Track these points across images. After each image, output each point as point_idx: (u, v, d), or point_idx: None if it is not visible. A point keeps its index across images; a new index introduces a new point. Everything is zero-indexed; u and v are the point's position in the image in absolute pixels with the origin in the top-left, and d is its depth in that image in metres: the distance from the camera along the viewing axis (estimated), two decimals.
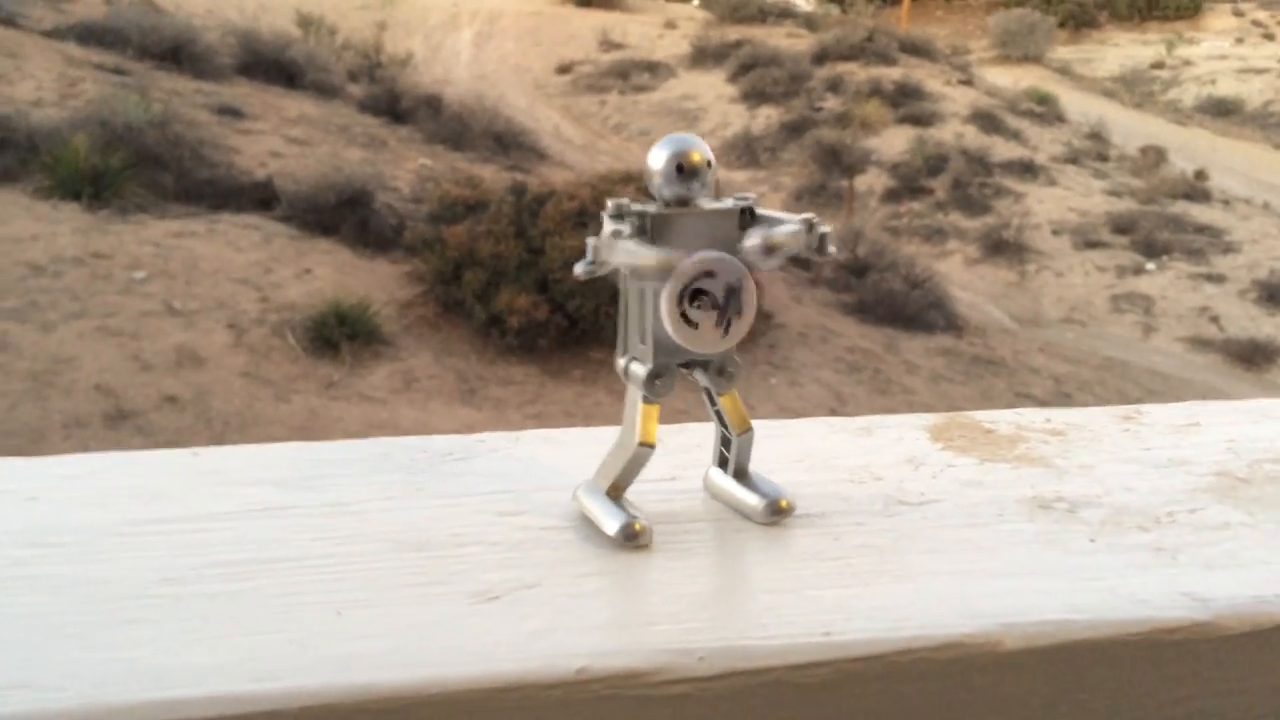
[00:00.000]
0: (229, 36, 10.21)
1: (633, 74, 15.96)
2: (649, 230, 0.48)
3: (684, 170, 0.48)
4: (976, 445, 0.60)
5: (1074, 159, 13.78)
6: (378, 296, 5.93)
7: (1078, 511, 0.52)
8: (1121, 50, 30.56)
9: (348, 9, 17.78)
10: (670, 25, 19.15)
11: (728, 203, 0.50)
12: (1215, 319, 9.51)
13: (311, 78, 9.87)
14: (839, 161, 12.27)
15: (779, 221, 0.49)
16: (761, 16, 19.02)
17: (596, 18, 19.48)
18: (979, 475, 0.56)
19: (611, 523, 0.49)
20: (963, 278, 10.42)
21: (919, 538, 0.50)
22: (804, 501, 0.53)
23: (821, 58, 15.65)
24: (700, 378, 0.51)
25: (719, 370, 0.51)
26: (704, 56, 16.29)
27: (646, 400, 0.50)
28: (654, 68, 16.25)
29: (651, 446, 0.50)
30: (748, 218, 0.50)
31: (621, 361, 0.51)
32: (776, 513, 0.51)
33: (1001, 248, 11.09)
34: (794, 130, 13.61)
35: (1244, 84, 26.69)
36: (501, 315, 5.69)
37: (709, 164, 0.49)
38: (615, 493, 0.50)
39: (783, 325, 7.40)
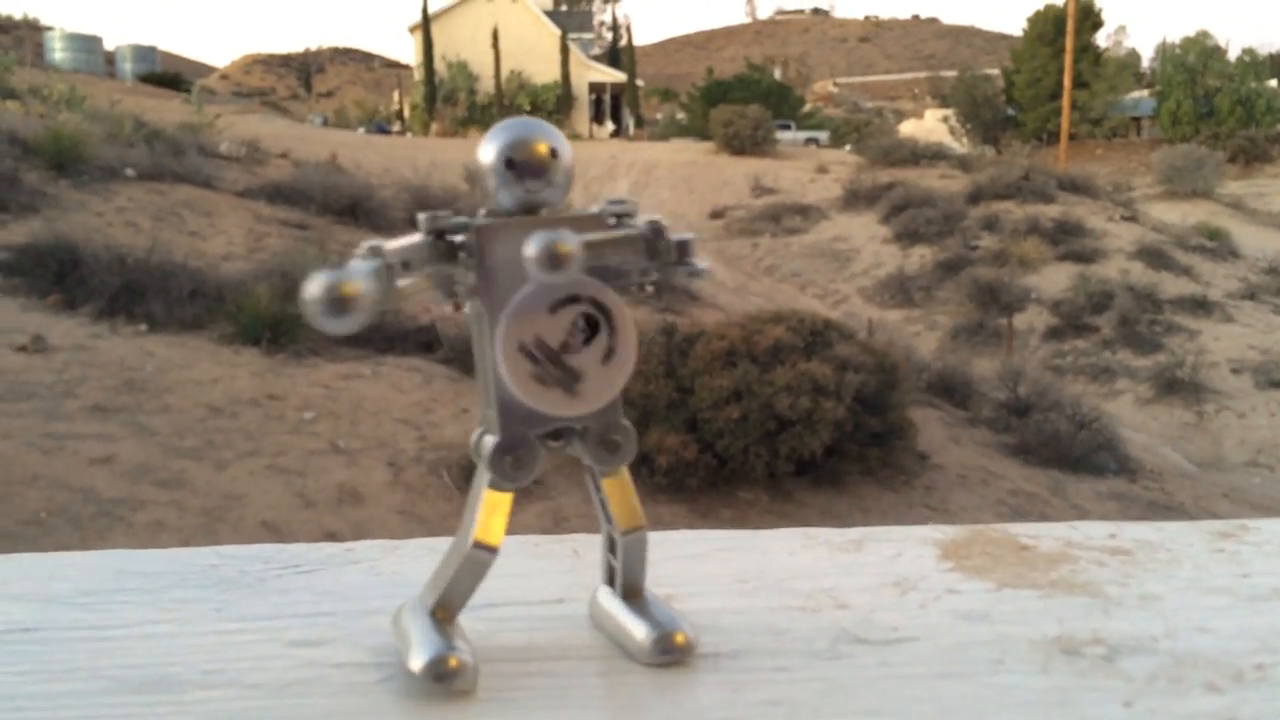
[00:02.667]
0: (403, 193, 10.91)
1: (784, 217, 16.20)
2: (474, 248, 0.36)
3: (516, 165, 0.36)
4: (1000, 566, 0.47)
5: (1251, 295, 13.13)
6: None
7: (1117, 660, 0.39)
8: None
9: None
10: (822, 170, 19.45)
11: (592, 209, 0.39)
12: None
13: None
14: (996, 299, 12.03)
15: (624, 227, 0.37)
16: (914, 159, 19.14)
17: (749, 165, 19.98)
18: (987, 605, 0.43)
19: (419, 654, 0.36)
20: (1134, 419, 9.92)
21: (861, 693, 0.37)
22: (720, 636, 0.40)
23: (976, 197, 15.57)
24: (579, 452, 0.38)
25: (601, 440, 0.38)
26: (856, 199, 16.44)
27: (494, 485, 0.37)
28: (805, 211, 16.47)
29: (492, 550, 0.37)
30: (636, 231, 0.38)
31: (473, 438, 0.38)
32: (667, 650, 0.38)
33: (1176, 387, 10.55)
34: (949, 269, 13.47)
35: None
36: (650, 454, 5.70)
37: (554, 154, 0.38)
38: (444, 614, 0.38)
39: (940, 466, 7.17)
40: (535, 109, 34.35)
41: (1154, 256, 13.62)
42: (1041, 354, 11.50)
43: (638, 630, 0.39)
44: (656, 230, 0.38)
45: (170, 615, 0.43)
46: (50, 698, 0.37)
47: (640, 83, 39.12)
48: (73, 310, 6.51)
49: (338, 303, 0.32)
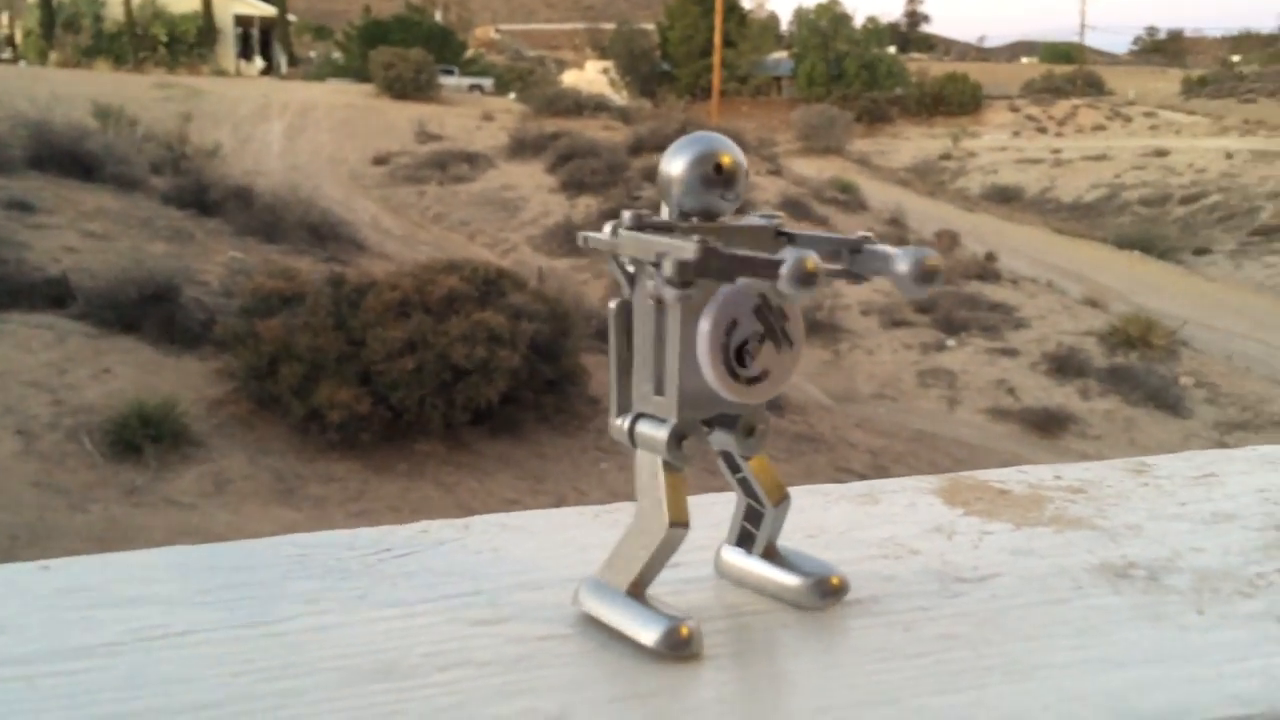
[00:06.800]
0: (19, 128, 9.69)
1: (451, 165, 15.99)
2: None
3: (721, 173, 0.40)
4: (1000, 508, 0.53)
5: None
6: (185, 395, 5.63)
7: (1160, 579, 0.45)
8: (913, 143, 32.76)
9: (149, 100, 17.20)
10: (488, 117, 19.35)
11: (756, 219, 0.42)
12: (1011, 390, 10.11)
13: (111, 170, 9.44)
14: None
15: (826, 241, 0.40)
16: (578, 109, 19.47)
17: (413, 110, 19.49)
18: (1024, 542, 0.49)
19: (649, 629, 0.39)
20: None
21: (1002, 623, 0.41)
22: None
23: (638, 148, 16.11)
24: (722, 439, 0.42)
25: (747, 429, 0.41)
26: (522, 148, 16.51)
27: (671, 469, 0.40)
28: (473, 159, 16.34)
29: (686, 526, 0.40)
30: (783, 240, 0.41)
31: (620, 422, 0.41)
32: (827, 594, 0.42)
33: (816, 328, 11.53)
34: (613, 218, 13.88)
35: (1022, 173, 28.99)
36: (321, 410, 5.48)
37: (745, 171, 0.41)
38: (637, 590, 0.40)
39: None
40: (174, 41, 31.55)
41: (796, 208, 14.75)
42: None
43: (790, 579, 0.43)
44: (860, 244, 0.40)
45: (318, 607, 0.42)
46: (296, 694, 0.36)
47: (292, 18, 36.90)
48: None
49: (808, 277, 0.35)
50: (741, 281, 0.37)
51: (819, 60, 40.18)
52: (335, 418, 5.44)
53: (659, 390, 0.40)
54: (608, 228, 0.40)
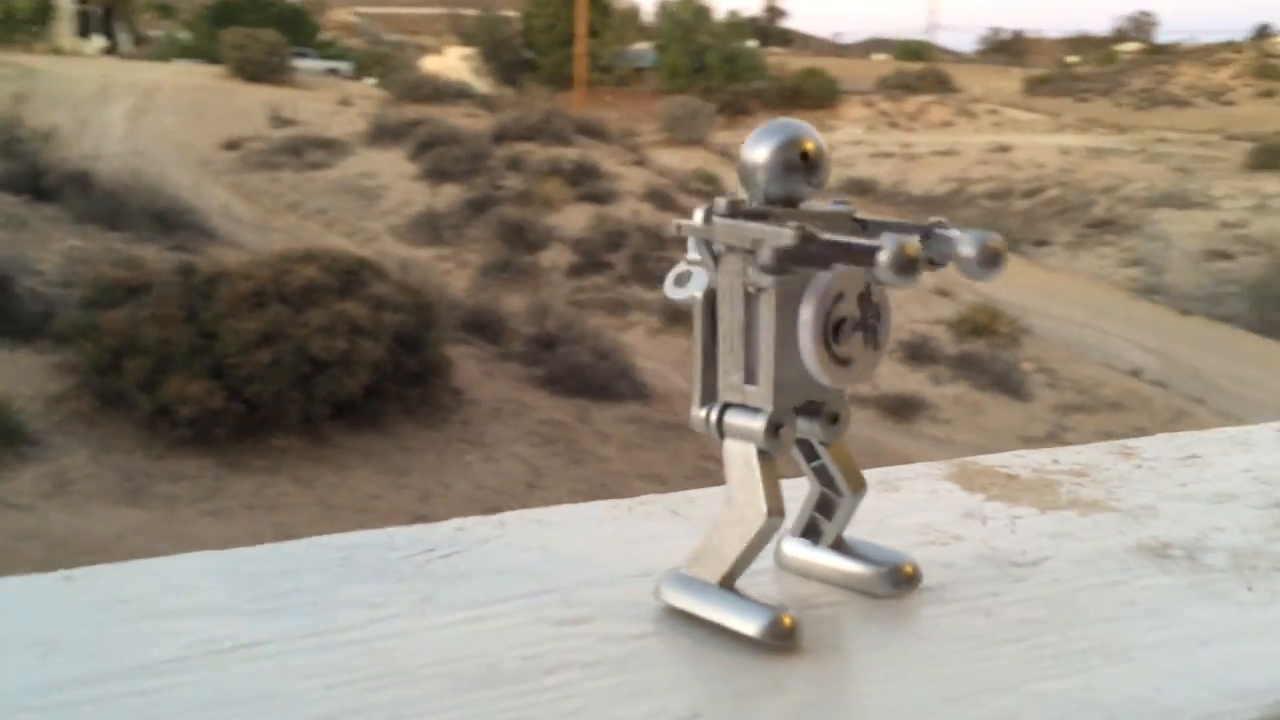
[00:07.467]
0: None
1: (307, 151, 15.54)
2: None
3: (807, 159, 0.40)
4: (1016, 492, 0.54)
5: None
6: (20, 391, 5.32)
7: (1198, 558, 0.47)
8: None
9: None
10: (345, 103, 18.85)
11: (831, 206, 0.41)
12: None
13: None
14: (523, 238, 12.49)
15: (899, 226, 0.40)
16: (439, 96, 19.15)
17: (266, 93, 18.85)
18: (1056, 526, 0.50)
19: (751, 620, 0.38)
20: (646, 348, 10.82)
21: (1075, 605, 0.42)
22: None
23: (501, 137, 15.96)
24: (805, 428, 0.41)
25: (831, 416, 0.41)
26: (383, 134, 16.16)
27: (766, 457, 0.40)
28: (330, 145, 15.91)
29: (783, 515, 0.40)
30: (859, 226, 0.41)
31: (705, 413, 0.41)
32: (900, 582, 0.43)
33: (680, 318, 11.65)
34: (477, 208, 13.73)
35: (877, 166, 29.89)
36: (170, 405, 5.26)
37: (829, 158, 0.41)
38: (728, 582, 0.40)
39: (476, 401, 7.35)
40: (8, 17, 29.69)
41: (660, 199, 14.86)
42: (565, 290, 12.15)
43: (863, 568, 0.43)
44: (930, 230, 0.39)
45: (386, 611, 0.40)
46: (407, 704, 0.35)
47: None
48: None
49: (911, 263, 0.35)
50: (839, 267, 0.37)
51: (681, 52, 40.52)
52: (186, 413, 5.23)
53: (749, 379, 0.40)
54: (698, 214, 0.40)
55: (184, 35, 33.14)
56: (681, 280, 0.41)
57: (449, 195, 14.26)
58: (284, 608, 0.40)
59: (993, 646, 0.40)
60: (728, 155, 25.15)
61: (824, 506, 0.44)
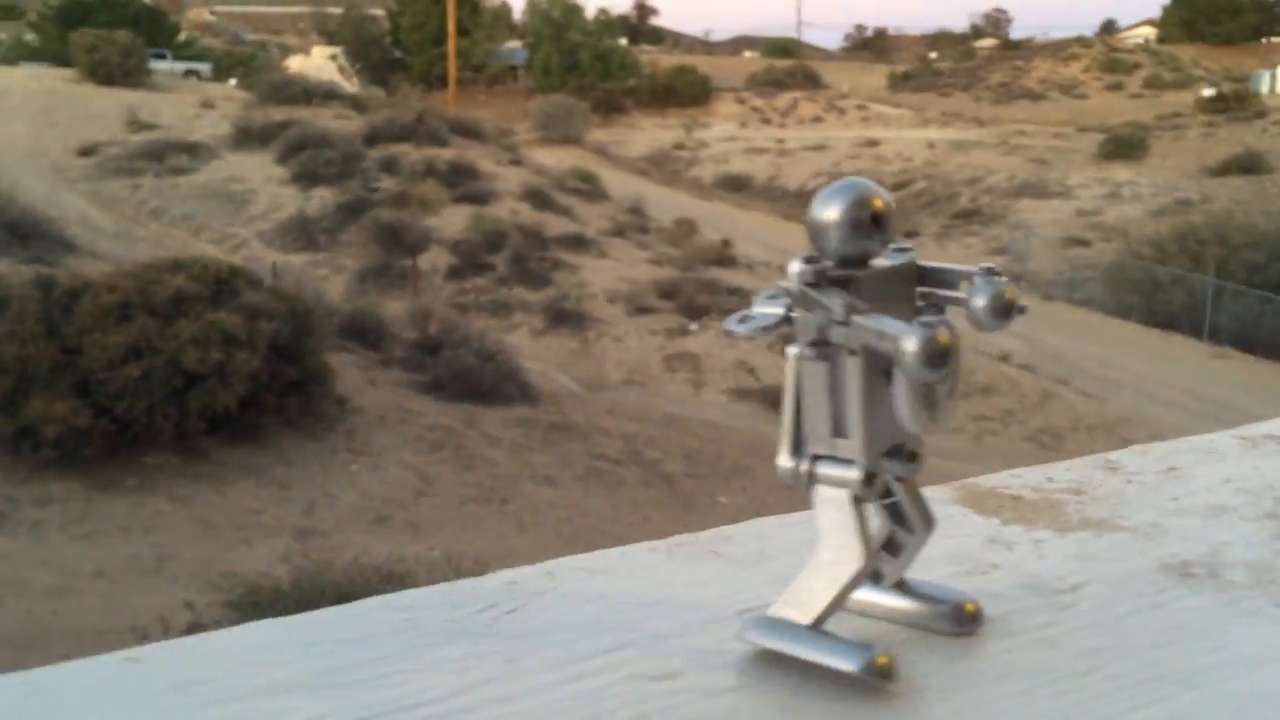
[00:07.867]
0: None
1: (169, 156, 14.99)
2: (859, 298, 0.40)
3: (876, 219, 0.41)
4: (1027, 514, 0.55)
5: (619, 232, 14.83)
6: None
7: (1219, 574, 0.48)
8: (647, 133, 33.56)
9: None
10: (207, 105, 18.24)
11: (892, 255, 0.42)
12: (752, 370, 10.58)
13: None
14: (400, 241, 12.27)
15: (952, 273, 0.42)
16: (306, 97, 18.67)
17: (121, 96, 18.10)
18: (1079, 548, 0.51)
19: (848, 659, 0.40)
20: (532, 349, 10.76)
21: (1127, 630, 0.43)
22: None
23: (373, 139, 15.67)
24: (883, 466, 0.43)
25: (911, 455, 0.42)
26: (249, 137, 15.69)
27: (859, 503, 0.41)
28: (193, 149, 15.38)
29: (875, 558, 0.42)
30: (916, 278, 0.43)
31: (794, 464, 0.42)
32: (964, 620, 0.43)
33: (564, 317, 11.62)
34: (351, 211, 13.44)
35: (750, 162, 30.34)
36: (33, 426, 5.00)
37: (895, 213, 0.42)
38: (819, 624, 0.41)
39: (360, 409, 7.18)
40: None
41: (538, 198, 14.79)
42: (446, 293, 11.99)
43: (923, 607, 0.44)
44: (990, 274, 0.41)
45: (474, 676, 0.40)
46: None
47: None
48: None
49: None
50: (937, 320, 0.38)
51: (553, 50, 40.41)
52: (51, 433, 4.98)
53: (838, 433, 0.41)
54: (793, 272, 0.41)
55: (31, 37, 31.55)
56: (744, 320, 0.43)
57: (321, 199, 13.93)
58: (368, 679, 0.40)
59: (1071, 679, 0.41)
60: (604, 153, 25.19)
61: (890, 545, 0.45)
